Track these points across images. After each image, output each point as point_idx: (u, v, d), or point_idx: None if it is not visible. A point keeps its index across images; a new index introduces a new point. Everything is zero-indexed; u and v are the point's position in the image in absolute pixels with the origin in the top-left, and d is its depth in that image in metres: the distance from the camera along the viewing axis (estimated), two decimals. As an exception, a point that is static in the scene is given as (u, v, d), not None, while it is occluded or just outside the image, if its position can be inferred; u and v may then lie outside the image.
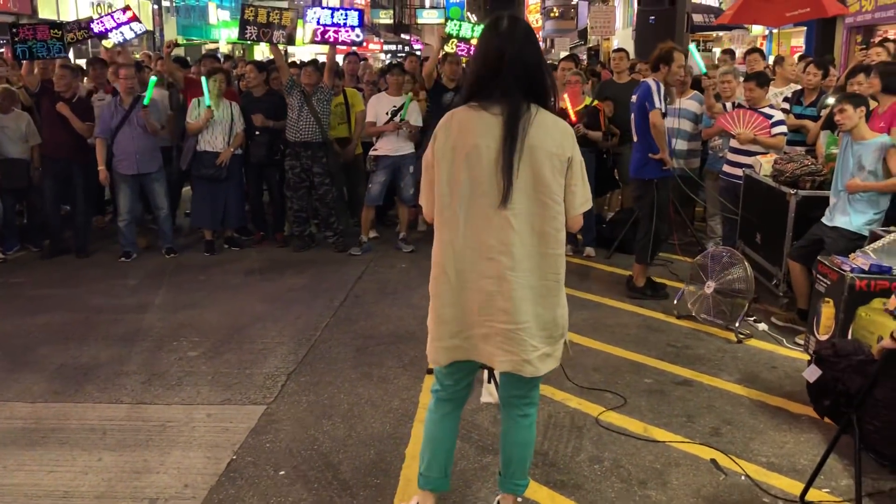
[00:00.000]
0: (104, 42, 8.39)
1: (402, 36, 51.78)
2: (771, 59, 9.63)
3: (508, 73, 2.67)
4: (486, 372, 4.47)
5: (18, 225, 8.04)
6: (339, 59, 9.26)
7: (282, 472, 3.58)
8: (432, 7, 67.27)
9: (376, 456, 3.73)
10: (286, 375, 4.69)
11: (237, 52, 25.87)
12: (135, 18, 8.17)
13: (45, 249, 7.71)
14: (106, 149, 7.33)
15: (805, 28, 14.64)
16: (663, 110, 5.95)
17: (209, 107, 7.34)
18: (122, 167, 7.33)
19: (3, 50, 14.08)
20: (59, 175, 7.42)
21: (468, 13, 69.83)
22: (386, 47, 43.87)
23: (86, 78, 8.54)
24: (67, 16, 19.69)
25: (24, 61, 7.49)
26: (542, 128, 2.70)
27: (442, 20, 51.64)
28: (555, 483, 3.51)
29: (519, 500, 3.19)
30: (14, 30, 7.35)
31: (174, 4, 25.82)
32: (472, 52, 7.51)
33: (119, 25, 8.07)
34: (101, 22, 8.06)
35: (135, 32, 8.23)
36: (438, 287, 2.82)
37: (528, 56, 2.71)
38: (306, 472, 3.59)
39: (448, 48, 8.22)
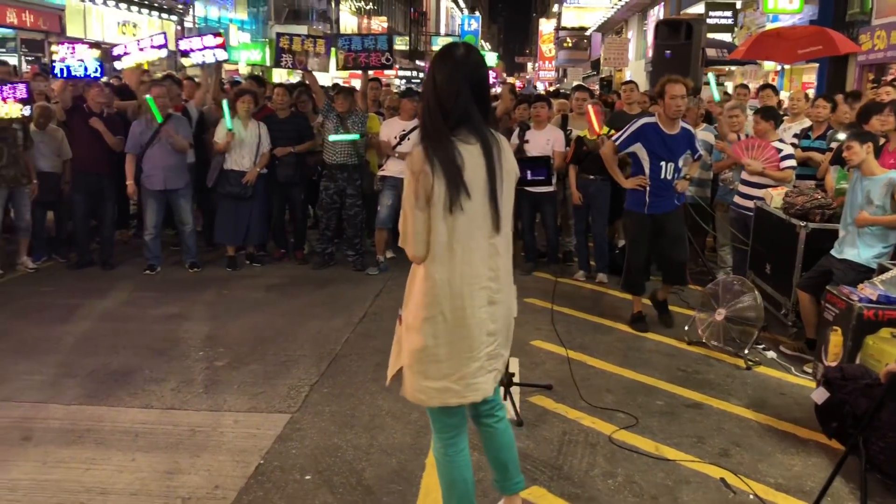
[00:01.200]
0: (183, 60, 8.70)
1: (418, 62, 52.39)
2: (783, 95, 9.83)
3: (472, 101, 2.71)
4: (501, 390, 4.65)
5: (46, 236, 8.27)
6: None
7: (308, 477, 3.74)
8: (447, 34, 68.13)
9: (398, 465, 3.89)
10: (309, 386, 4.86)
11: (256, 73, 26.31)
12: (222, 46, 8.43)
13: (72, 261, 7.92)
14: (135, 164, 7.57)
15: (818, 65, 14.87)
16: (617, 141, 6.10)
17: (230, 130, 7.57)
18: (150, 182, 7.56)
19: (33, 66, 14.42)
20: (91, 189, 7.65)
21: (482, 41, 70.60)
22: (401, 73, 44.40)
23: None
24: (92, 34, 20.16)
25: (59, 80, 7.73)
26: (505, 151, 2.84)
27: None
28: (569, 495, 3.66)
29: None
30: (53, 49, 7.64)
31: (196, 25, 26.31)
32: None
33: (205, 48, 8.37)
34: (190, 41, 8.35)
35: (216, 59, 8.50)
36: (435, 328, 2.76)
37: (485, 82, 2.79)
38: (331, 477, 3.75)
39: None
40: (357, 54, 7.92)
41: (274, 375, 5.05)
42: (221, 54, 8.40)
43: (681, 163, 6.10)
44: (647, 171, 6.01)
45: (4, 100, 7.04)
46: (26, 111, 7.30)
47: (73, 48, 7.71)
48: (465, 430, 3.05)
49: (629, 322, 6.36)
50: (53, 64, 7.57)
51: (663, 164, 5.96)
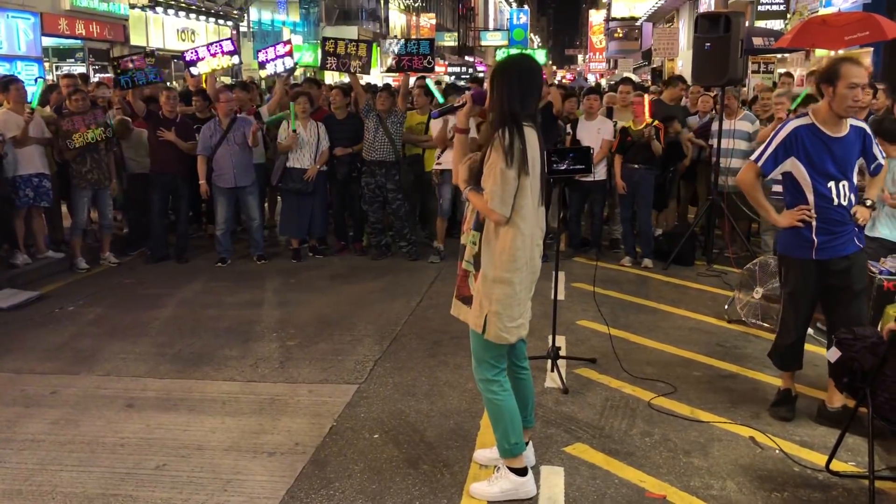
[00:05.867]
0: (260, 71, 9.50)
1: (466, 58, 52.81)
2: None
3: (537, 99, 3.56)
4: (549, 362, 5.07)
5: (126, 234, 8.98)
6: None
7: (376, 436, 4.22)
8: (496, 29, 68.35)
9: (455, 425, 4.35)
10: (373, 362, 5.35)
11: (308, 75, 27.08)
12: (290, 54, 9.19)
13: (148, 255, 8.56)
14: (206, 165, 8.17)
15: (872, 49, 14.79)
16: (759, 161, 4.22)
17: (294, 131, 8.12)
18: (220, 181, 8.16)
19: (106, 75, 15.29)
20: (166, 188, 8.28)
21: (531, 35, 70.60)
22: (450, 69, 44.80)
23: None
24: (153, 42, 21.08)
25: (131, 89, 8.37)
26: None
27: (505, 42, 52.65)
28: (609, 450, 4.06)
29: None
30: (115, 63, 8.30)
31: (251, 30, 27.17)
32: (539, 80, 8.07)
33: (277, 58, 9.10)
34: (265, 52, 9.14)
35: (285, 67, 9.26)
36: (519, 275, 3.38)
37: (542, 86, 3.69)
38: (396, 436, 4.22)
39: None
40: (400, 58, 8.40)
41: (341, 352, 5.55)
42: (289, 62, 9.07)
43: (855, 178, 4.19)
44: (809, 197, 4.12)
45: (87, 127, 7.76)
46: (107, 132, 8.02)
47: (134, 60, 8.33)
48: None
49: (771, 404, 4.58)
50: (119, 77, 8.20)
51: (832, 184, 4.07)
